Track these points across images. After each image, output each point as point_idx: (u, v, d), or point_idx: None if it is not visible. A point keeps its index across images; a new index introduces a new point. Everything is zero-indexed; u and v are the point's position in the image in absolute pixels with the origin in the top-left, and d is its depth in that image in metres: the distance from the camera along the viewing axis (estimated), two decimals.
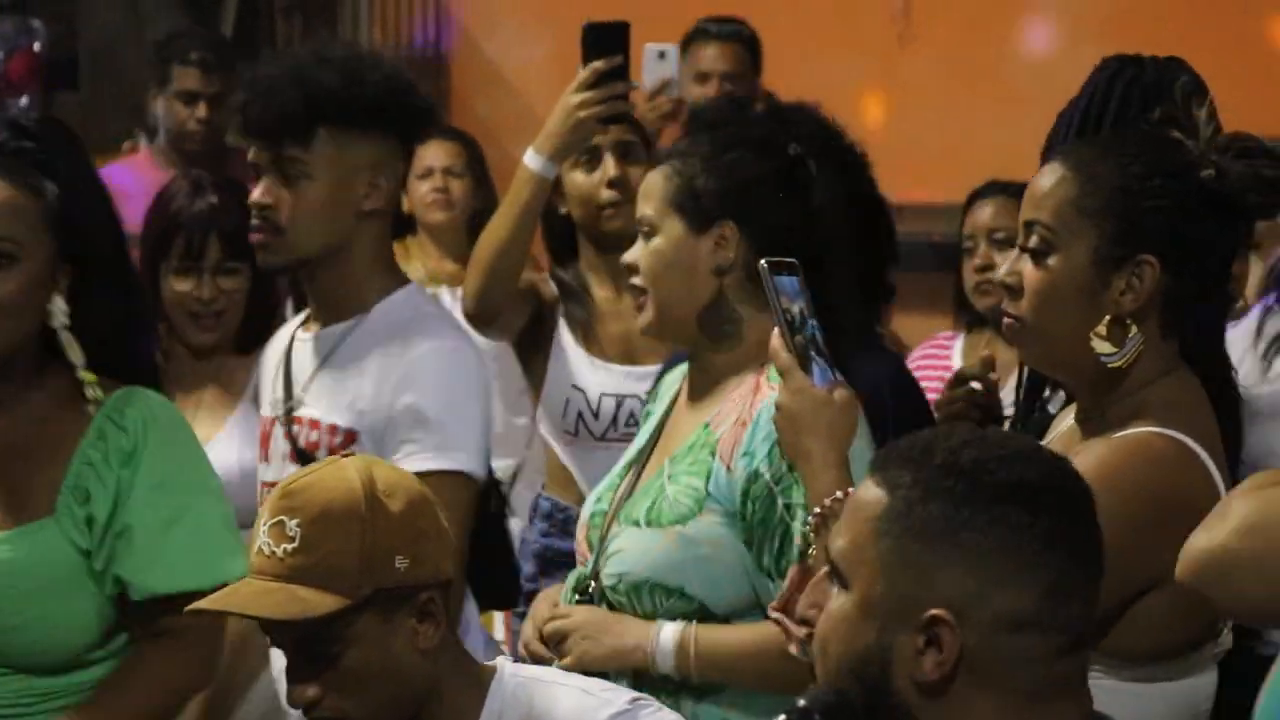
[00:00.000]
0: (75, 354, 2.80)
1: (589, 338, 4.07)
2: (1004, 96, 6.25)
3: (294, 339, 3.43)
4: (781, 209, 2.96)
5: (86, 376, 2.81)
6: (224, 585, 2.60)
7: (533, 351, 4.10)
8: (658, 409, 3.13)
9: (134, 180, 5.51)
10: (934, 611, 1.91)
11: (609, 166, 4.03)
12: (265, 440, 3.39)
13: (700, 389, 3.01)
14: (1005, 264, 2.66)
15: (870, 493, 1.98)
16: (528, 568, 4.26)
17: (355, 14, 7.62)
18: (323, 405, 3.31)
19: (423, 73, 7.30)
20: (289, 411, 3.33)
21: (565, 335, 4.08)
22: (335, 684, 2.51)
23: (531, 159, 3.75)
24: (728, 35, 5.64)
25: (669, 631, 2.90)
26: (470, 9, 7.61)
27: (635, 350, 4.01)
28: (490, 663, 2.64)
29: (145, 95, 5.88)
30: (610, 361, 4.04)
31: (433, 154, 5.53)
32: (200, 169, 4.24)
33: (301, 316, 3.49)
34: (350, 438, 3.29)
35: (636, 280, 3.01)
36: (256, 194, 3.31)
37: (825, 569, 2.08)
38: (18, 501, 2.77)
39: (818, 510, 2.57)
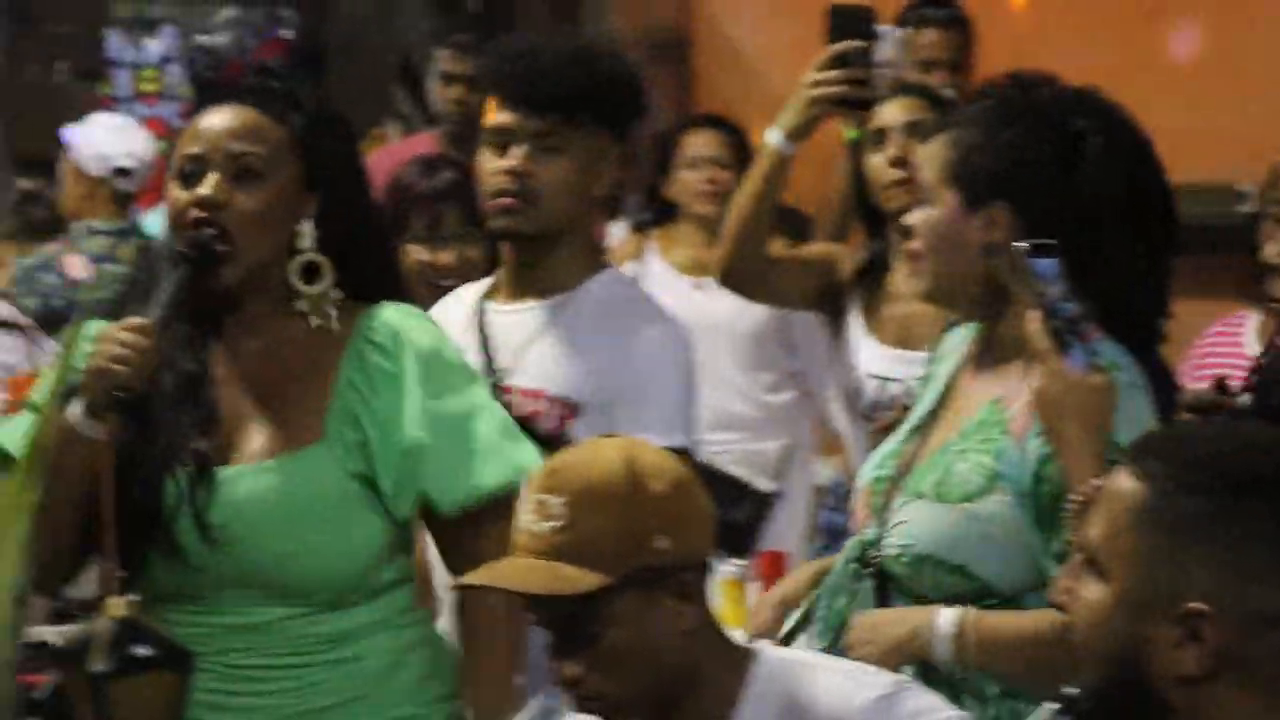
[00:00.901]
0: (326, 275, 2.86)
1: (871, 316, 4.10)
2: (1257, 74, 6.12)
3: (483, 310, 3.47)
4: (1058, 192, 2.92)
5: (331, 296, 2.86)
6: (523, 472, 2.71)
7: (835, 320, 4.14)
8: (941, 370, 3.10)
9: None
10: (1192, 605, 1.89)
11: (893, 145, 4.03)
12: None
13: (986, 361, 2.99)
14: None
15: (1126, 483, 1.97)
16: (818, 541, 4.29)
17: None
18: (544, 376, 3.34)
19: (665, 56, 7.33)
20: (496, 382, 3.35)
21: (854, 312, 4.11)
22: (596, 663, 2.53)
23: (771, 135, 3.81)
24: (946, 21, 5.58)
25: (947, 617, 2.89)
26: None
27: (911, 335, 4.01)
28: (750, 645, 2.66)
29: (391, 84, 5.98)
30: (883, 343, 4.04)
31: (703, 144, 5.53)
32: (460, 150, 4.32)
33: (479, 288, 3.51)
34: (573, 410, 3.33)
35: (915, 244, 3.00)
36: (513, 161, 3.34)
37: (1080, 556, 2.06)
38: (285, 427, 2.81)
39: (1076, 497, 2.54)
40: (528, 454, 2.90)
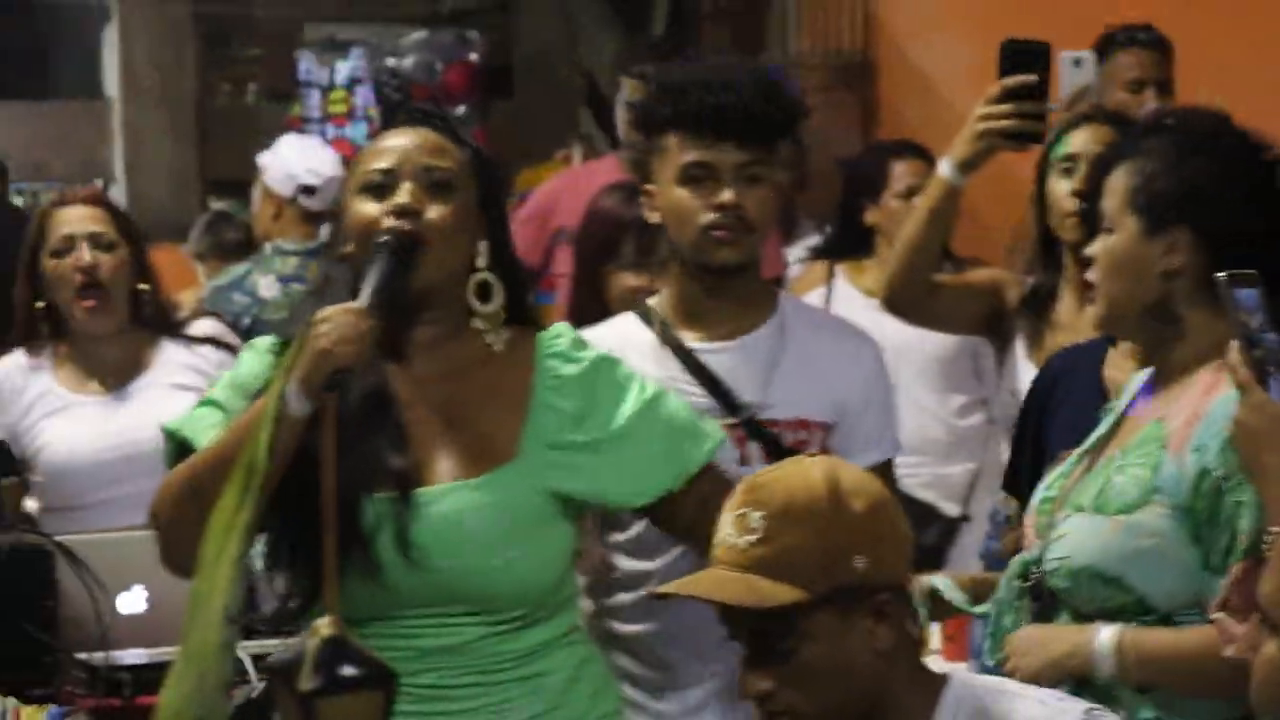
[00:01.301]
0: (497, 294, 2.89)
1: (1034, 344, 4.08)
2: None
3: (680, 346, 3.45)
4: (1244, 218, 2.91)
5: (499, 315, 2.90)
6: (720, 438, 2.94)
7: (1000, 349, 4.13)
8: (1121, 404, 3.10)
9: (592, 180, 5.64)
10: None
11: (1078, 178, 4.01)
12: None
13: (1159, 385, 2.98)
14: None
15: None
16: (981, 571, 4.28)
17: (783, 20, 7.66)
18: (799, 404, 3.39)
19: (850, 79, 7.32)
20: (750, 416, 3.38)
21: (1019, 339, 4.10)
22: (788, 678, 2.54)
23: (943, 165, 3.83)
24: (1152, 42, 5.55)
25: (1107, 634, 2.88)
26: (898, 15, 7.60)
27: None
28: (942, 670, 2.65)
29: (576, 106, 6.02)
30: None
31: (914, 173, 5.53)
32: None
33: (634, 324, 3.52)
34: (830, 429, 3.41)
35: (1091, 275, 3.00)
36: (728, 196, 3.36)
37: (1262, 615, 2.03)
38: (478, 447, 2.84)
39: (1276, 529, 2.52)
40: (712, 424, 3.01)
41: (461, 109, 7.74)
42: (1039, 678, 2.88)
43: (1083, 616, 2.94)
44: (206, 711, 1.60)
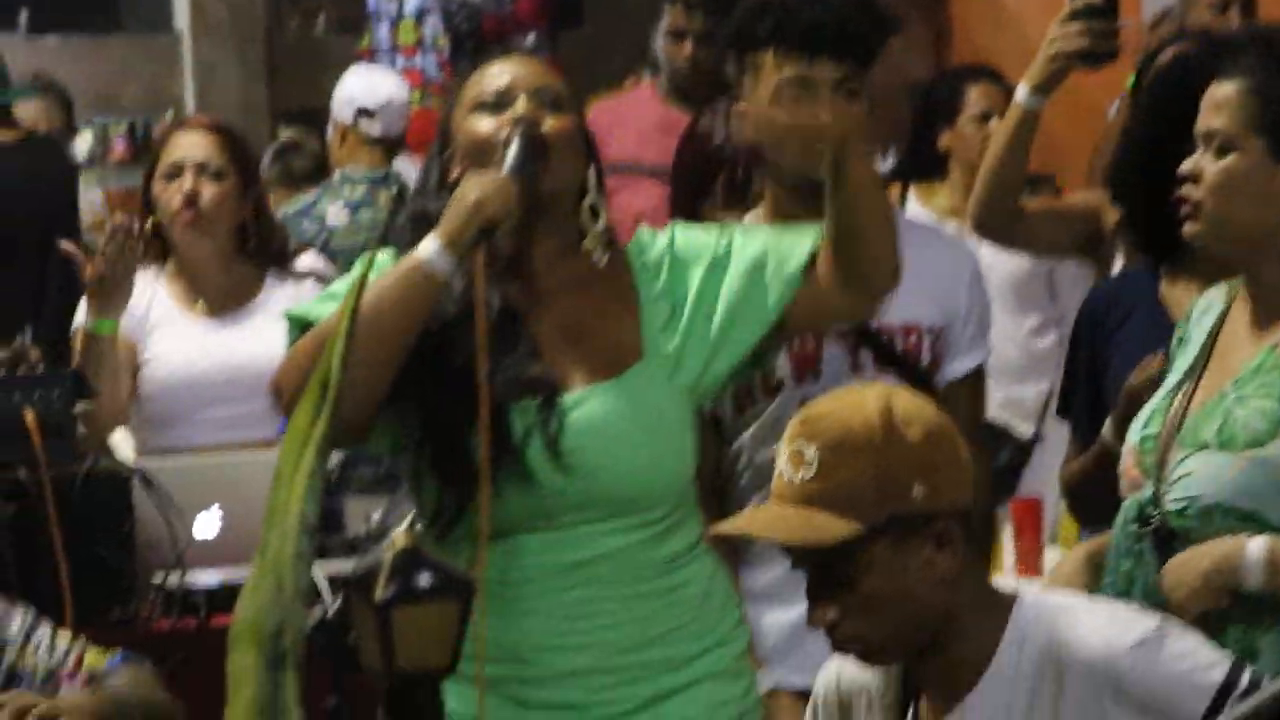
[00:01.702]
0: (603, 215, 2.93)
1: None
2: None
3: None
4: None
5: (606, 235, 2.94)
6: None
7: (1101, 271, 4.16)
8: (1195, 332, 3.08)
9: (632, 110, 5.65)
10: None
11: None
12: (807, 359, 3.45)
13: (1259, 311, 2.96)
14: None
15: None
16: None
17: None
18: (912, 309, 3.43)
19: (924, 5, 7.28)
20: (862, 328, 3.43)
21: (1119, 261, 4.10)
22: (852, 607, 2.56)
23: (1020, 90, 3.81)
24: None
25: (1258, 543, 2.86)
26: None
27: None
28: (1010, 590, 2.65)
29: (649, 32, 6.01)
30: None
31: (988, 99, 5.51)
32: (699, 104, 4.34)
33: None
34: (941, 335, 3.48)
35: (1192, 191, 2.97)
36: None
37: None
38: (605, 353, 2.88)
39: None
40: (806, 231, 3.00)
41: (531, 37, 7.76)
42: (1195, 599, 2.87)
43: None
44: (284, 621, 1.62)
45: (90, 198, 8.27)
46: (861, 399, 2.59)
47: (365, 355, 2.69)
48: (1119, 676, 2.51)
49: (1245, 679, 2.50)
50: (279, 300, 4.46)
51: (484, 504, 2.70)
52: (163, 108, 9.24)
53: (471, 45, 7.43)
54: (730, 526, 2.74)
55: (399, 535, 1.65)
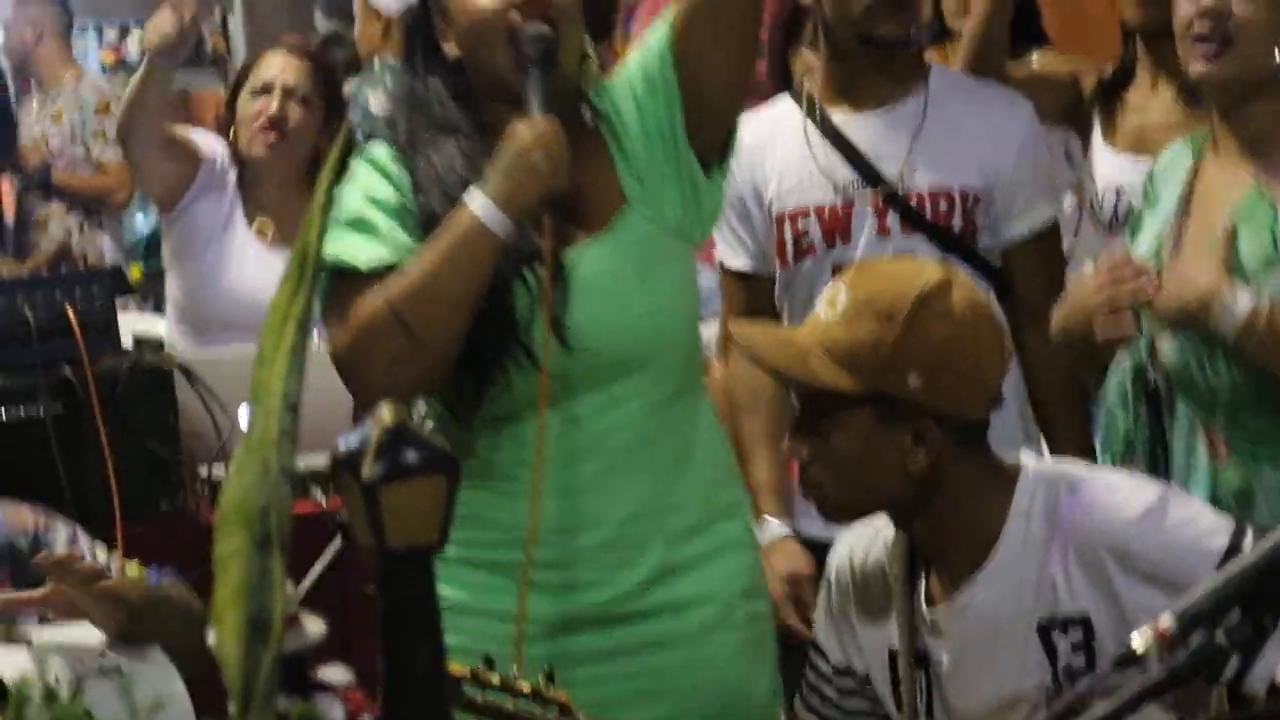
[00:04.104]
0: (594, 67, 2.87)
1: (1109, 126, 4.07)
2: None
3: (825, 120, 3.52)
4: None
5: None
6: None
7: (1085, 138, 4.15)
8: (1166, 192, 3.10)
9: None
10: None
11: None
12: (836, 223, 3.49)
13: (1243, 152, 2.99)
14: None
15: None
16: None
17: None
18: (944, 172, 3.44)
19: None
20: (892, 190, 3.44)
21: (1095, 125, 4.09)
22: (821, 456, 2.60)
23: None
24: None
25: (1244, 297, 2.88)
26: None
27: (1146, 139, 3.98)
28: (1014, 462, 2.67)
29: None
30: (1119, 149, 4.02)
31: None
32: None
33: (786, 104, 3.58)
34: (978, 199, 3.45)
35: (1221, 29, 2.97)
36: None
37: None
38: (595, 204, 2.80)
39: None
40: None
41: None
42: (1175, 315, 2.91)
43: (1207, 404, 2.97)
44: (270, 500, 1.65)
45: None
46: (916, 274, 2.61)
47: (439, 319, 2.69)
48: (1124, 547, 2.53)
49: (1248, 541, 2.51)
50: None
51: (542, 402, 2.72)
52: (210, 1, 9.25)
53: None
54: (743, 334, 2.78)
55: (385, 411, 1.69)
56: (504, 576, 2.77)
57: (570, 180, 2.72)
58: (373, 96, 5.83)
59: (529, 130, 2.69)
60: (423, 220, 2.77)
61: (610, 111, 2.84)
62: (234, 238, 4.56)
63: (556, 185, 2.70)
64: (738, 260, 3.61)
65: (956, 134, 3.45)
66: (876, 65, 3.49)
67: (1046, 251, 3.53)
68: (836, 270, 3.45)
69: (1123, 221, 3.91)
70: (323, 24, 7.47)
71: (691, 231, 2.85)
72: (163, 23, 4.30)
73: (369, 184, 2.82)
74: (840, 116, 3.52)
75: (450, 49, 2.84)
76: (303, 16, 8.33)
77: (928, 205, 3.44)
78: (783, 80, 4.08)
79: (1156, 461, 3.03)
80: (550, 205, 2.72)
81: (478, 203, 2.70)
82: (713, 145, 2.84)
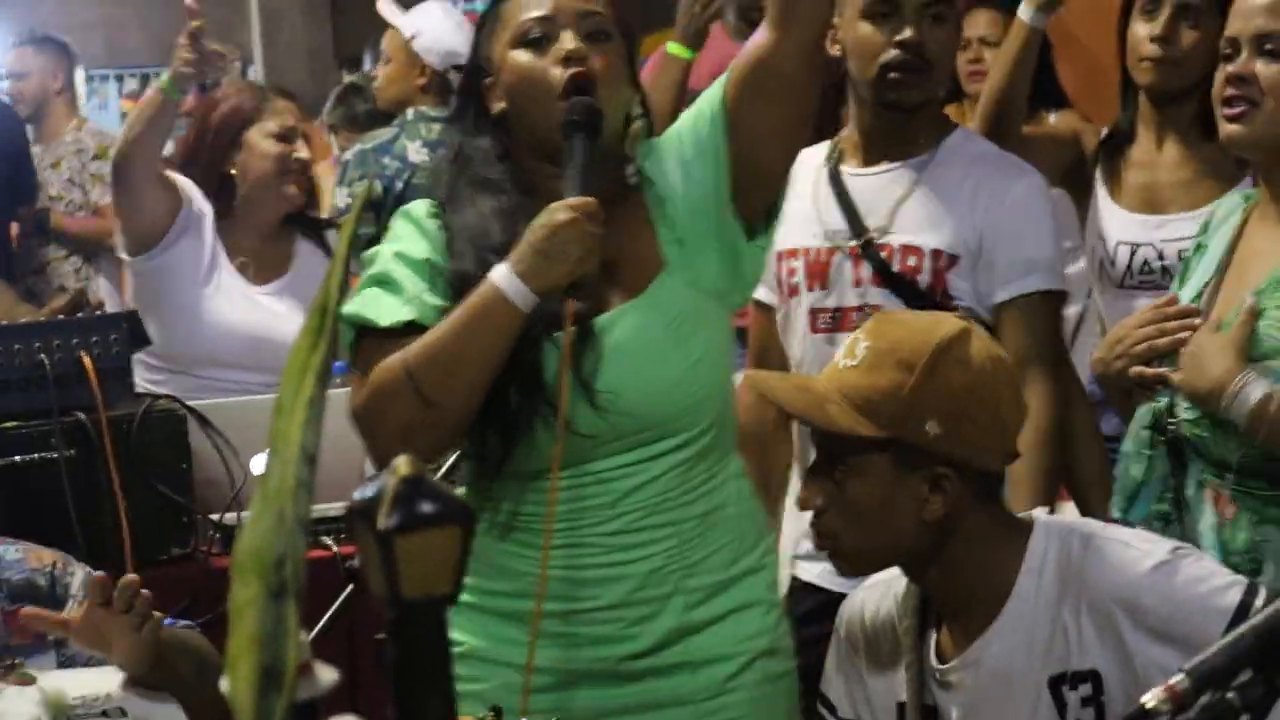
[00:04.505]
0: (643, 137, 2.85)
1: (1115, 185, 4.08)
2: None
3: (837, 174, 3.57)
4: None
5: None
6: None
7: (1078, 199, 4.16)
8: (1214, 242, 3.11)
9: (704, 53, 5.64)
10: None
11: (1161, 21, 4.00)
12: (819, 269, 3.54)
13: (1275, 216, 2.99)
14: None
15: None
16: None
17: None
18: (920, 231, 3.48)
19: None
20: (868, 241, 3.48)
21: (1099, 182, 4.11)
22: (836, 504, 2.60)
23: (1023, 9, 3.84)
24: None
25: (1258, 386, 2.89)
26: None
27: (1157, 199, 4.00)
28: (1026, 515, 2.68)
29: None
30: (1129, 209, 4.04)
31: (972, 24, 5.53)
32: None
33: (816, 154, 3.61)
34: (953, 260, 3.47)
35: (1247, 92, 2.99)
36: (910, 33, 3.46)
37: None
38: (630, 273, 2.79)
39: None
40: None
41: None
42: (1198, 396, 2.92)
43: (1219, 465, 2.97)
44: (286, 549, 1.66)
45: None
46: (936, 324, 2.62)
47: (454, 388, 2.69)
48: (1135, 602, 2.53)
49: (1260, 600, 2.50)
50: (311, 264, 4.60)
51: (555, 460, 2.72)
52: (231, 55, 9.30)
53: None
54: (763, 380, 2.81)
55: (401, 462, 1.70)
56: (520, 627, 2.76)
57: (605, 253, 2.70)
58: (410, 146, 5.86)
59: (565, 213, 2.67)
60: (455, 282, 2.77)
61: (656, 173, 2.83)
62: (220, 276, 4.59)
63: (585, 269, 2.68)
64: (759, 290, 3.64)
65: (944, 196, 3.49)
66: (894, 123, 3.55)
67: (1029, 320, 3.53)
68: (813, 314, 3.50)
69: (1138, 277, 3.93)
70: (345, 75, 7.50)
71: (731, 295, 2.86)
72: (181, 49, 4.35)
73: (404, 241, 2.82)
74: (851, 168, 3.58)
75: (496, 104, 2.84)
76: (320, 68, 8.41)
77: (897, 259, 3.48)
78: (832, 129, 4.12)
79: (1167, 511, 3.04)
80: (576, 289, 2.69)
81: (503, 276, 2.69)
82: (758, 210, 2.84)
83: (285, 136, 4.63)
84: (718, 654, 2.82)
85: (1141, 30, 4.03)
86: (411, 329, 2.73)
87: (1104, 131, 4.17)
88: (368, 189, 2.63)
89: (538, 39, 2.78)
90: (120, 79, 10.31)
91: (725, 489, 2.85)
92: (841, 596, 2.90)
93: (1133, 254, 3.99)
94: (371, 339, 2.76)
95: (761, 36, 2.77)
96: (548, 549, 2.73)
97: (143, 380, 4.47)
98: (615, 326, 2.77)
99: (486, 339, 2.69)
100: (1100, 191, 4.10)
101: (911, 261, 3.47)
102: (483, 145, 2.83)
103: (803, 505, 2.64)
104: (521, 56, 2.79)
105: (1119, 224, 4.03)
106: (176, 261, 4.57)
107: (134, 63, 10.15)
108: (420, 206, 2.87)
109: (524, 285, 2.68)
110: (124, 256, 4.67)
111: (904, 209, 3.50)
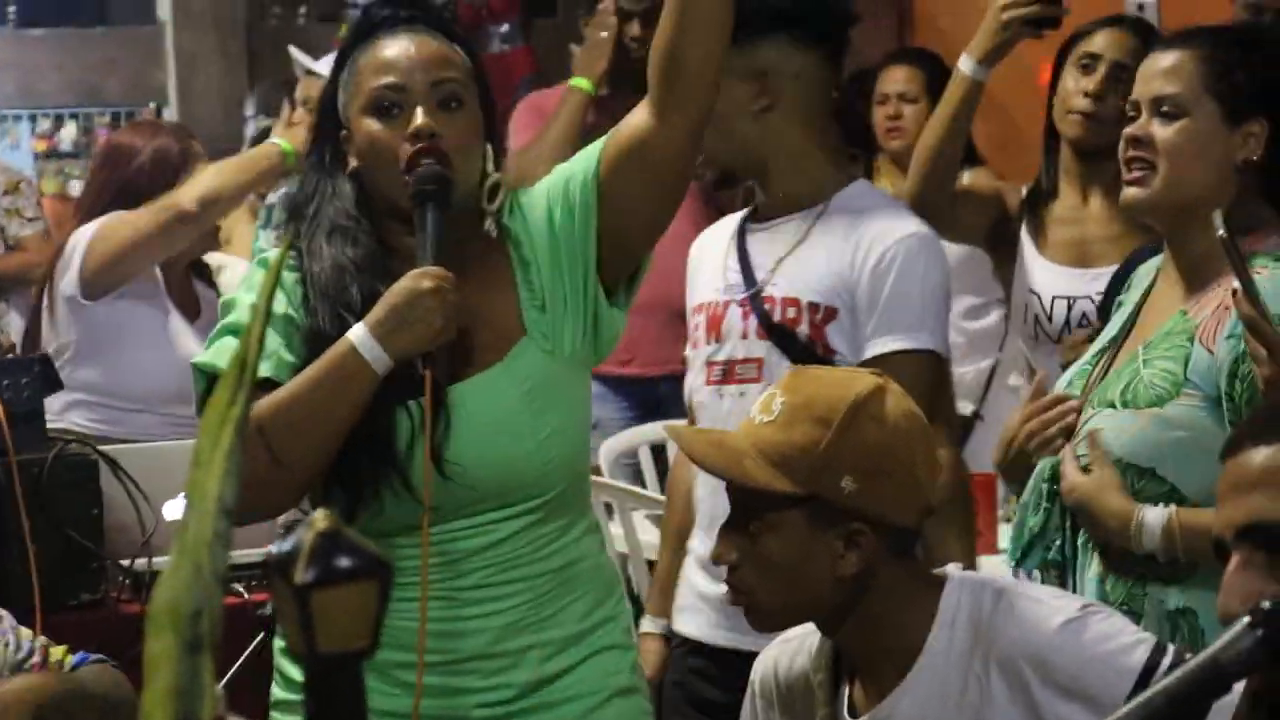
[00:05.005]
0: (501, 191, 2.83)
1: (1043, 240, 4.11)
2: None
3: (744, 230, 3.58)
4: None
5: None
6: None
7: (1003, 255, 4.18)
8: (1130, 299, 3.15)
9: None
10: None
11: (1096, 79, 4.04)
12: (715, 322, 3.55)
13: (1182, 280, 3.02)
14: None
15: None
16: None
17: None
18: (799, 283, 3.47)
19: None
20: (757, 293, 3.47)
21: (1025, 239, 4.14)
22: (749, 559, 2.59)
23: (964, 62, 3.85)
24: None
25: (1155, 513, 2.92)
26: None
27: (1087, 253, 4.04)
28: (939, 570, 2.69)
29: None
30: (1061, 264, 4.07)
31: (889, 80, 5.60)
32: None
33: (742, 214, 3.63)
34: (830, 314, 3.45)
35: (1144, 154, 3.02)
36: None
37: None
38: (493, 334, 2.78)
39: None
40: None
41: (505, 27, 7.78)
42: (1107, 540, 2.95)
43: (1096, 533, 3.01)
44: (201, 604, 1.65)
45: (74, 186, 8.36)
46: (852, 380, 2.62)
47: (303, 447, 2.68)
48: (1044, 659, 2.53)
49: (1167, 661, 2.51)
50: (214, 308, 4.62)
51: (424, 528, 2.72)
52: (146, 98, 9.31)
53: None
54: (678, 434, 2.81)
55: (319, 517, 1.69)
56: (381, 677, 2.74)
57: (464, 315, 2.71)
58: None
59: (430, 281, 2.67)
60: (310, 339, 2.76)
61: (522, 232, 2.83)
62: (172, 313, 4.61)
63: (442, 336, 2.68)
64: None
65: (828, 249, 3.48)
66: (772, 181, 3.54)
67: (899, 377, 3.49)
68: (708, 366, 3.52)
69: (1075, 330, 3.96)
70: (260, 121, 7.51)
71: (588, 358, 2.85)
72: (295, 117, 4.41)
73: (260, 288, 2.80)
74: (755, 223, 3.58)
75: (351, 160, 2.82)
76: (236, 113, 8.39)
77: (778, 311, 3.48)
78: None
79: (1059, 561, 3.07)
80: (433, 357, 2.69)
81: (360, 338, 2.68)
82: (622, 276, 2.85)
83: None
84: (575, 693, 2.84)
85: (1073, 84, 4.08)
86: (266, 385, 2.71)
87: (1024, 189, 4.20)
88: (285, 249, 2.63)
89: (388, 108, 2.77)
90: (34, 119, 10.27)
91: (579, 545, 2.86)
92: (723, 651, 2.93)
93: (1070, 307, 4.02)
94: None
95: (641, 116, 2.78)
96: (425, 600, 2.72)
97: (86, 421, 4.47)
98: (470, 397, 2.76)
99: (340, 400, 2.68)
100: (1028, 248, 4.13)
101: (791, 313, 3.46)
102: (341, 191, 2.81)
103: (716, 560, 2.64)
104: (373, 125, 2.78)
105: (1052, 278, 4.07)
106: (139, 298, 4.64)
107: (48, 104, 10.10)
108: (277, 256, 2.87)
109: (381, 349, 2.67)
110: (78, 297, 4.65)
111: (788, 261, 3.49)
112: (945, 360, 3.48)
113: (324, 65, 6.06)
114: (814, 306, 3.45)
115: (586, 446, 2.90)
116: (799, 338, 3.44)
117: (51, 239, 6.49)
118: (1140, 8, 4.98)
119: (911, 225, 3.49)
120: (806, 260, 3.48)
